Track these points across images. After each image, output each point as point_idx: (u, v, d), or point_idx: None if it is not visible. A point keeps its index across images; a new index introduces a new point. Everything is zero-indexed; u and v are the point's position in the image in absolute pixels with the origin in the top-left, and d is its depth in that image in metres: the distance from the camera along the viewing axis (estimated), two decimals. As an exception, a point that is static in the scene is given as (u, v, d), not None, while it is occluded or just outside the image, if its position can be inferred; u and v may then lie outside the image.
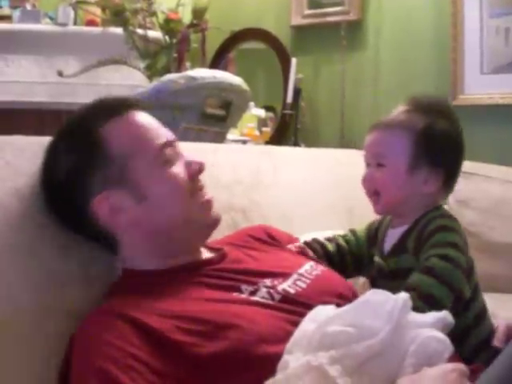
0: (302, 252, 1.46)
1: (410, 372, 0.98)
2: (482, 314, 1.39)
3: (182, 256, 1.26)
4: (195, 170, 1.28)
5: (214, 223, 1.32)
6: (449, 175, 1.42)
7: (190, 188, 1.26)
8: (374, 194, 1.43)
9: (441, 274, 1.27)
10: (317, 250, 1.51)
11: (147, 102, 2.23)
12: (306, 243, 1.52)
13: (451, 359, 1.02)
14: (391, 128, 1.41)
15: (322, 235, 1.59)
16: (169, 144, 1.27)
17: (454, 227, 1.37)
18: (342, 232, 1.59)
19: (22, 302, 1.17)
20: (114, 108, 1.27)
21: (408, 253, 1.38)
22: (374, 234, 1.52)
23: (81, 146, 1.23)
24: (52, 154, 1.27)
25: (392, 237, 1.44)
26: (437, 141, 1.39)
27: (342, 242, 1.55)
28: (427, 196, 1.40)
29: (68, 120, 1.30)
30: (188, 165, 1.28)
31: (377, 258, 1.47)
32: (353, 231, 1.58)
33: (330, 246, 1.53)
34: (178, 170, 1.26)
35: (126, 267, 1.27)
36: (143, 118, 1.29)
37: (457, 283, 1.28)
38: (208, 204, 1.30)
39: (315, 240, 1.55)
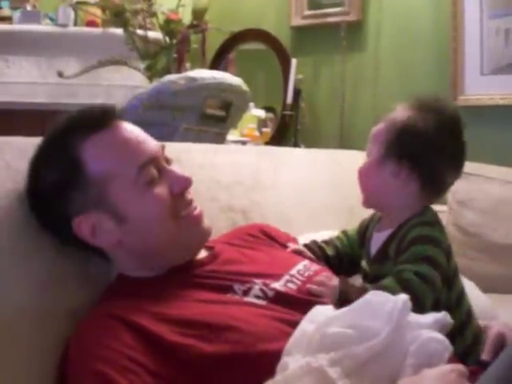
0: (300, 254, 1.44)
1: (409, 373, 0.98)
2: (467, 320, 1.36)
3: (171, 265, 1.25)
4: (179, 189, 1.24)
5: (203, 238, 1.30)
6: (428, 176, 1.37)
7: (173, 207, 1.23)
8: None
9: (412, 290, 1.23)
10: (316, 253, 1.49)
11: (147, 102, 2.23)
12: (305, 246, 1.50)
13: (450, 360, 1.02)
14: (380, 121, 1.42)
15: (319, 237, 1.58)
16: (152, 161, 1.22)
17: (435, 238, 1.33)
18: (335, 233, 1.58)
19: (22, 302, 1.17)
20: (96, 121, 1.22)
21: (390, 260, 1.35)
22: (364, 233, 1.51)
23: (59, 167, 1.20)
24: (35, 168, 1.23)
25: (377, 241, 1.42)
26: (413, 135, 1.35)
27: (338, 244, 1.54)
28: (408, 197, 1.37)
29: (49, 134, 1.25)
30: (173, 183, 1.23)
31: (363, 263, 1.45)
32: (344, 232, 1.57)
33: (329, 250, 1.52)
34: (160, 190, 1.21)
35: (120, 272, 1.27)
36: (126, 132, 1.23)
37: (423, 299, 1.25)
38: (195, 219, 1.27)
39: (314, 242, 1.54)
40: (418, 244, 1.31)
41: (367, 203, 1.44)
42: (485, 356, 1.29)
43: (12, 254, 1.20)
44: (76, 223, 1.19)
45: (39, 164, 1.23)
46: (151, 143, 1.25)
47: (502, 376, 0.92)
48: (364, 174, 1.41)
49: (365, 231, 1.51)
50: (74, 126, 1.22)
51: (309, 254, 1.46)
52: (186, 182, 1.25)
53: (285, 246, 1.46)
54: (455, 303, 1.35)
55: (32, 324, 1.18)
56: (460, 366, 0.99)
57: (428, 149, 1.36)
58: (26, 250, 1.22)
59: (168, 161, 1.28)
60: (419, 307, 1.19)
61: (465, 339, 1.33)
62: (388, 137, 1.37)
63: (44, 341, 1.18)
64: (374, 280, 1.35)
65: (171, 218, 1.22)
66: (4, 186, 1.24)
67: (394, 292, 1.19)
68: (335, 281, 1.26)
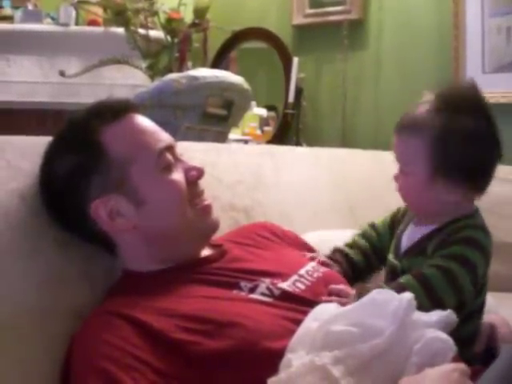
0: (324, 265, 1.40)
1: (413, 372, 0.98)
2: (477, 330, 1.33)
3: (178, 259, 1.26)
4: (194, 176, 1.28)
5: (213, 228, 1.31)
6: (477, 176, 1.31)
7: (188, 194, 1.26)
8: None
9: (431, 286, 1.21)
10: (341, 262, 1.43)
11: (149, 101, 2.23)
12: (328, 257, 1.44)
13: (453, 360, 1.02)
14: (408, 131, 1.31)
15: (337, 238, 1.53)
16: (168, 149, 1.26)
17: (479, 241, 1.28)
18: (356, 231, 1.52)
19: (24, 302, 1.18)
20: (114, 111, 1.26)
21: (426, 256, 1.29)
22: (395, 224, 1.45)
23: (81, 151, 1.23)
24: (52, 156, 1.26)
25: (412, 234, 1.36)
26: (454, 143, 1.26)
27: (363, 243, 1.47)
28: (454, 203, 1.30)
29: (68, 122, 1.29)
30: (187, 171, 1.27)
31: (391, 257, 1.39)
32: (372, 225, 1.51)
33: (354, 254, 1.45)
34: (177, 176, 1.25)
35: (126, 268, 1.27)
36: (143, 121, 1.28)
37: (444, 302, 1.20)
38: (207, 209, 1.29)
39: (337, 250, 1.47)
40: (461, 245, 1.26)
41: (419, 214, 1.37)
42: (476, 348, 1.28)
43: (13, 254, 1.20)
44: (94, 206, 1.21)
45: (59, 150, 1.26)
46: (165, 133, 1.30)
47: (503, 375, 0.92)
48: (408, 194, 1.33)
49: (396, 223, 1.45)
50: (95, 114, 1.25)
51: (335, 267, 1.40)
52: (200, 171, 1.29)
53: (293, 246, 1.46)
54: (476, 310, 1.33)
55: (33, 323, 1.18)
56: (462, 365, 0.99)
57: (478, 150, 1.28)
58: (28, 250, 1.22)
59: (179, 154, 1.32)
60: (438, 305, 1.16)
61: (473, 349, 1.32)
62: (433, 152, 1.27)
63: (46, 340, 1.18)
64: (402, 275, 1.29)
65: (187, 204, 1.25)
66: (5, 185, 1.24)
67: (412, 290, 1.15)
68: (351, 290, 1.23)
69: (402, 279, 1.25)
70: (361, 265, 1.45)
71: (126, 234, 1.24)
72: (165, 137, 1.29)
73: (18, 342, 1.15)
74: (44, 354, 1.17)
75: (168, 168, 1.24)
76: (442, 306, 1.15)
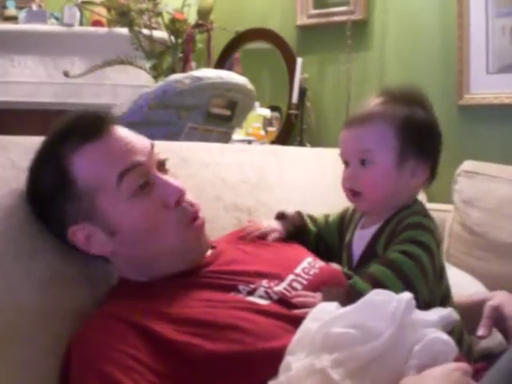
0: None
1: (413, 373, 0.98)
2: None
3: (172, 271, 1.24)
4: (174, 199, 1.22)
5: (205, 248, 1.31)
6: (433, 165, 1.35)
7: (177, 216, 1.22)
8: (355, 194, 1.34)
9: (399, 269, 1.21)
10: (297, 225, 1.49)
11: (153, 102, 2.23)
12: (292, 213, 1.51)
13: (455, 359, 1.02)
14: (370, 120, 1.32)
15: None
16: (132, 168, 1.19)
17: (425, 225, 1.29)
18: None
19: (26, 303, 1.18)
20: (87, 131, 1.20)
21: (377, 257, 1.30)
22: (347, 224, 1.47)
23: (52, 177, 1.20)
24: (31, 175, 1.25)
25: (361, 239, 1.37)
26: (420, 130, 1.31)
27: (321, 225, 1.51)
28: (412, 189, 1.35)
29: (44, 142, 1.25)
30: (166, 194, 1.21)
31: (345, 270, 1.39)
32: (326, 217, 1.53)
33: (312, 226, 1.50)
34: (147, 201, 1.20)
35: (121, 276, 1.28)
36: (113, 141, 1.21)
37: (414, 281, 1.21)
38: (201, 229, 1.27)
39: (300, 214, 1.53)
40: (410, 230, 1.27)
41: (371, 210, 1.37)
42: (480, 332, 1.27)
43: (15, 254, 1.20)
44: (71, 233, 1.21)
45: (35, 171, 1.24)
46: (136, 150, 1.22)
47: (507, 376, 0.91)
48: (378, 184, 1.32)
49: (344, 228, 1.46)
50: (66, 136, 1.21)
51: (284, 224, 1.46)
52: (178, 193, 1.22)
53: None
54: (443, 296, 1.32)
55: (34, 324, 1.18)
56: (464, 365, 0.99)
57: (435, 140, 1.35)
58: (29, 250, 1.22)
59: (162, 164, 1.26)
60: (411, 290, 1.15)
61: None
62: (399, 139, 1.30)
63: (47, 341, 1.18)
64: None
65: (169, 229, 1.21)
66: (9, 185, 1.24)
67: (382, 276, 1.20)
68: (318, 296, 1.21)
69: (370, 269, 1.25)
70: (313, 240, 1.49)
71: (108, 256, 1.25)
72: (133, 153, 1.21)
73: (19, 343, 1.15)
74: (45, 355, 1.17)
75: (135, 193, 1.19)
76: (413, 288, 1.17)
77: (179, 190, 1.23)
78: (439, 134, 1.36)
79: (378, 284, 1.19)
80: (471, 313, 1.35)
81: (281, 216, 1.51)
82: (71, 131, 1.21)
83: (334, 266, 1.46)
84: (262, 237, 1.43)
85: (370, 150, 1.31)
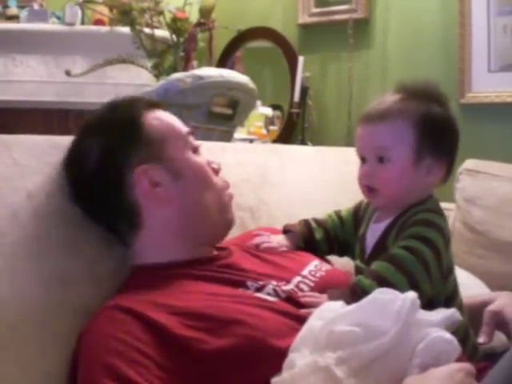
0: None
1: (416, 372, 0.98)
2: (460, 311, 1.28)
3: (195, 248, 1.28)
4: (216, 169, 1.37)
5: (232, 222, 1.39)
6: (450, 162, 1.35)
7: (217, 180, 1.35)
8: (371, 190, 1.35)
9: (401, 264, 1.21)
10: (305, 236, 1.48)
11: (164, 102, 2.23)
12: (291, 226, 1.52)
13: (458, 359, 1.02)
14: (388, 117, 1.32)
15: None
16: (191, 133, 1.38)
17: (434, 222, 1.29)
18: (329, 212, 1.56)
19: (32, 301, 1.18)
20: (148, 103, 1.38)
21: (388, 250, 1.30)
22: (361, 217, 1.47)
23: (123, 127, 1.30)
24: (91, 131, 1.33)
25: (374, 233, 1.37)
26: (437, 127, 1.31)
27: (329, 226, 1.50)
28: (428, 186, 1.34)
29: (110, 105, 1.37)
30: (209, 163, 1.36)
31: (358, 262, 1.40)
32: (337, 213, 1.53)
33: (318, 233, 1.49)
34: (203, 161, 1.35)
35: (135, 264, 1.28)
36: (169, 115, 1.39)
37: (416, 276, 1.21)
38: (230, 203, 1.39)
39: (305, 223, 1.51)
40: (417, 226, 1.27)
41: (386, 205, 1.36)
42: (481, 339, 1.27)
43: (20, 253, 1.20)
44: (136, 174, 1.26)
45: (99, 127, 1.33)
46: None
47: (508, 374, 0.92)
48: (394, 182, 1.32)
49: (360, 222, 1.46)
50: (136, 101, 1.38)
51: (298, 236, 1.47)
52: (219, 165, 1.39)
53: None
54: (450, 294, 1.31)
55: (40, 324, 1.19)
56: (467, 365, 0.99)
57: (453, 137, 1.35)
58: (34, 249, 1.22)
59: (197, 148, 1.40)
60: (412, 286, 1.17)
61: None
62: (416, 136, 1.30)
63: (52, 341, 1.19)
64: None
65: (214, 188, 1.34)
66: (12, 184, 1.24)
67: (385, 272, 1.20)
68: (324, 297, 1.22)
69: (373, 266, 1.25)
70: (323, 245, 1.49)
71: (159, 207, 1.28)
72: (186, 126, 1.39)
73: (25, 342, 1.16)
74: (50, 353, 1.18)
75: (196, 151, 1.36)
76: (416, 283, 1.19)
77: (219, 163, 1.40)
78: (456, 131, 1.35)
79: (381, 280, 1.19)
80: (475, 314, 1.35)
81: (287, 230, 1.51)
82: (138, 99, 1.39)
83: (347, 264, 1.48)
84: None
85: (387, 148, 1.31)
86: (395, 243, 1.27)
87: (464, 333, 1.31)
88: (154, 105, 1.39)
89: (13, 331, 1.14)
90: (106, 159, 1.28)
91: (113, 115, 1.34)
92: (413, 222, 1.28)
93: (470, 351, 1.30)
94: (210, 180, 1.34)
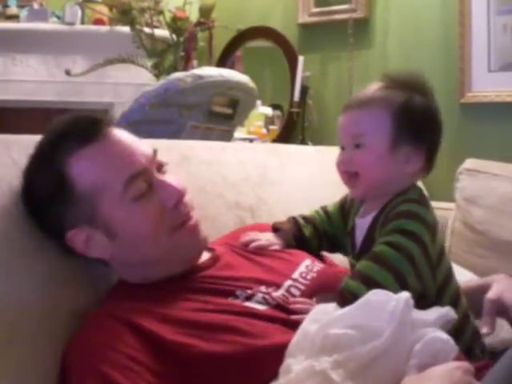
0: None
1: (414, 373, 0.98)
2: (454, 304, 1.27)
3: (169, 274, 1.24)
4: (172, 204, 1.21)
5: (200, 248, 1.29)
6: (430, 153, 1.33)
7: (169, 220, 1.21)
8: (351, 176, 1.33)
9: (386, 262, 1.19)
10: (295, 234, 1.46)
11: (154, 100, 2.23)
12: (279, 223, 1.49)
13: (456, 357, 1.01)
14: (367, 105, 1.32)
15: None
16: (138, 175, 1.19)
17: (417, 213, 1.26)
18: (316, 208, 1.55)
19: (28, 303, 1.18)
20: (84, 134, 1.20)
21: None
22: (348, 212, 1.45)
23: (49, 181, 1.19)
24: (27, 180, 1.23)
25: (361, 228, 1.36)
26: (417, 116, 1.30)
27: (317, 222, 1.49)
28: (408, 176, 1.32)
29: (39, 146, 1.24)
30: (166, 197, 1.21)
31: (351, 258, 1.39)
32: (324, 209, 1.52)
33: (307, 230, 1.47)
34: (149, 205, 1.19)
35: (120, 277, 1.28)
36: (113, 144, 1.21)
37: (402, 271, 1.19)
38: (192, 230, 1.25)
39: (293, 220, 1.49)
40: (400, 218, 1.25)
41: (365, 195, 1.36)
42: (484, 330, 1.25)
43: (17, 253, 1.20)
44: (69, 236, 1.19)
45: (31, 177, 1.23)
46: (141, 154, 1.22)
47: (508, 372, 0.92)
48: (370, 168, 1.30)
49: (348, 216, 1.44)
50: (62, 140, 1.20)
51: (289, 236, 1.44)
52: (179, 195, 1.22)
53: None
54: (441, 286, 1.29)
55: (36, 324, 1.18)
56: (466, 363, 0.98)
57: (434, 127, 1.34)
58: (31, 249, 1.22)
59: (161, 166, 1.26)
60: (400, 283, 1.16)
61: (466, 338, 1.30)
62: (394, 123, 1.29)
63: (48, 341, 1.18)
64: None
65: (164, 232, 1.20)
66: (11, 184, 1.24)
67: (369, 271, 1.19)
68: (313, 303, 1.21)
69: (358, 265, 1.24)
70: (313, 241, 1.47)
71: (106, 259, 1.24)
72: (138, 159, 1.20)
73: (21, 343, 1.16)
74: (47, 354, 1.17)
75: (138, 198, 1.18)
76: (403, 279, 1.18)
77: (179, 191, 1.22)
78: (438, 122, 1.35)
79: (367, 279, 1.18)
80: (471, 299, 1.35)
81: (276, 229, 1.49)
82: (67, 134, 1.21)
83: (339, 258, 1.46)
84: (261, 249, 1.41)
85: (363, 134, 1.31)
86: (380, 238, 1.25)
87: (463, 318, 1.30)
88: (97, 131, 1.20)
89: (9, 332, 1.14)
90: (42, 216, 1.21)
91: (39, 168, 1.21)
92: (395, 214, 1.26)
93: (469, 338, 1.30)
94: (152, 231, 1.19)
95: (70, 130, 1.22)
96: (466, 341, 1.28)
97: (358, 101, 1.35)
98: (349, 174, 1.33)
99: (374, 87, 1.35)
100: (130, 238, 1.19)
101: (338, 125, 1.37)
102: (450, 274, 1.34)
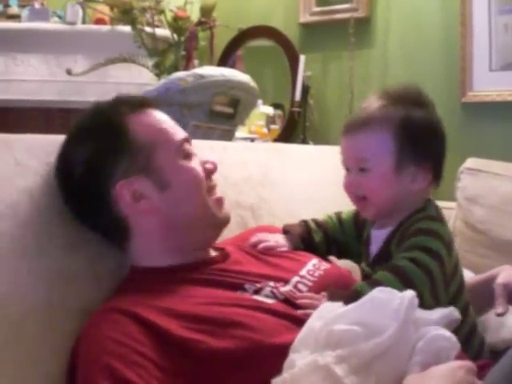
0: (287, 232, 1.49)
1: (416, 370, 0.98)
2: (463, 317, 1.26)
3: (189, 254, 1.27)
4: (210, 169, 1.33)
5: (226, 220, 1.35)
6: (437, 167, 1.34)
7: (206, 185, 1.30)
8: (360, 200, 1.35)
9: (406, 277, 1.21)
10: (304, 238, 1.48)
11: (155, 100, 2.23)
12: (290, 226, 1.51)
13: (458, 357, 1.02)
14: (368, 126, 1.32)
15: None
16: (186, 140, 1.31)
17: (436, 231, 1.29)
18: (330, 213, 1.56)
19: (32, 301, 1.18)
20: (139, 103, 1.31)
21: (391, 259, 1.30)
22: (361, 226, 1.47)
23: (108, 135, 1.26)
24: (75, 141, 1.28)
25: (377, 239, 1.37)
26: (419, 133, 1.31)
27: (329, 227, 1.50)
28: (417, 193, 1.33)
29: (94, 110, 1.32)
30: (203, 163, 1.32)
31: (363, 265, 1.40)
32: (338, 215, 1.53)
33: (317, 235, 1.48)
34: (196, 164, 1.30)
35: (133, 264, 1.28)
36: (163, 116, 1.33)
37: (420, 289, 1.19)
38: (220, 202, 1.33)
39: (306, 224, 1.51)
40: (418, 236, 1.27)
41: (377, 216, 1.37)
42: (499, 310, 1.26)
43: (21, 252, 1.20)
44: (119, 187, 1.23)
45: (83, 135, 1.29)
46: (181, 129, 1.35)
47: (510, 371, 0.92)
48: (377, 192, 1.32)
49: (362, 226, 1.46)
50: (122, 103, 1.31)
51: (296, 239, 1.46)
52: (214, 164, 1.35)
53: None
54: (452, 298, 1.31)
55: (41, 322, 1.19)
56: (468, 363, 0.99)
57: (437, 140, 1.34)
58: (36, 248, 1.23)
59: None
60: (417, 297, 1.16)
61: (459, 335, 1.31)
62: (397, 144, 1.30)
63: (53, 339, 1.19)
64: None
65: (205, 190, 1.30)
66: (13, 183, 1.25)
67: (388, 283, 1.19)
68: (321, 299, 1.22)
69: (377, 275, 1.25)
70: (321, 246, 1.48)
71: (145, 219, 1.26)
72: (182, 130, 1.34)
73: (26, 340, 1.16)
74: (51, 352, 1.18)
75: (188, 156, 1.29)
76: (419, 293, 1.15)
77: (214, 162, 1.36)
78: (441, 135, 1.35)
79: None
80: (482, 290, 1.37)
81: (286, 231, 1.51)
82: (124, 101, 1.32)
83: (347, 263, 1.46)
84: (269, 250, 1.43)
85: (367, 159, 1.32)
86: (399, 252, 1.27)
87: (471, 329, 1.32)
88: (145, 105, 1.33)
89: (14, 329, 1.14)
90: (89, 172, 1.25)
91: (96, 122, 1.30)
92: (414, 231, 1.28)
93: (475, 350, 1.30)
94: (199, 187, 1.30)
95: (127, 99, 1.34)
96: (473, 351, 1.30)
97: (357, 121, 1.35)
98: (357, 197, 1.35)
99: (373, 105, 1.35)
100: (179, 190, 1.26)
101: (341, 148, 1.38)
102: (461, 286, 1.35)
